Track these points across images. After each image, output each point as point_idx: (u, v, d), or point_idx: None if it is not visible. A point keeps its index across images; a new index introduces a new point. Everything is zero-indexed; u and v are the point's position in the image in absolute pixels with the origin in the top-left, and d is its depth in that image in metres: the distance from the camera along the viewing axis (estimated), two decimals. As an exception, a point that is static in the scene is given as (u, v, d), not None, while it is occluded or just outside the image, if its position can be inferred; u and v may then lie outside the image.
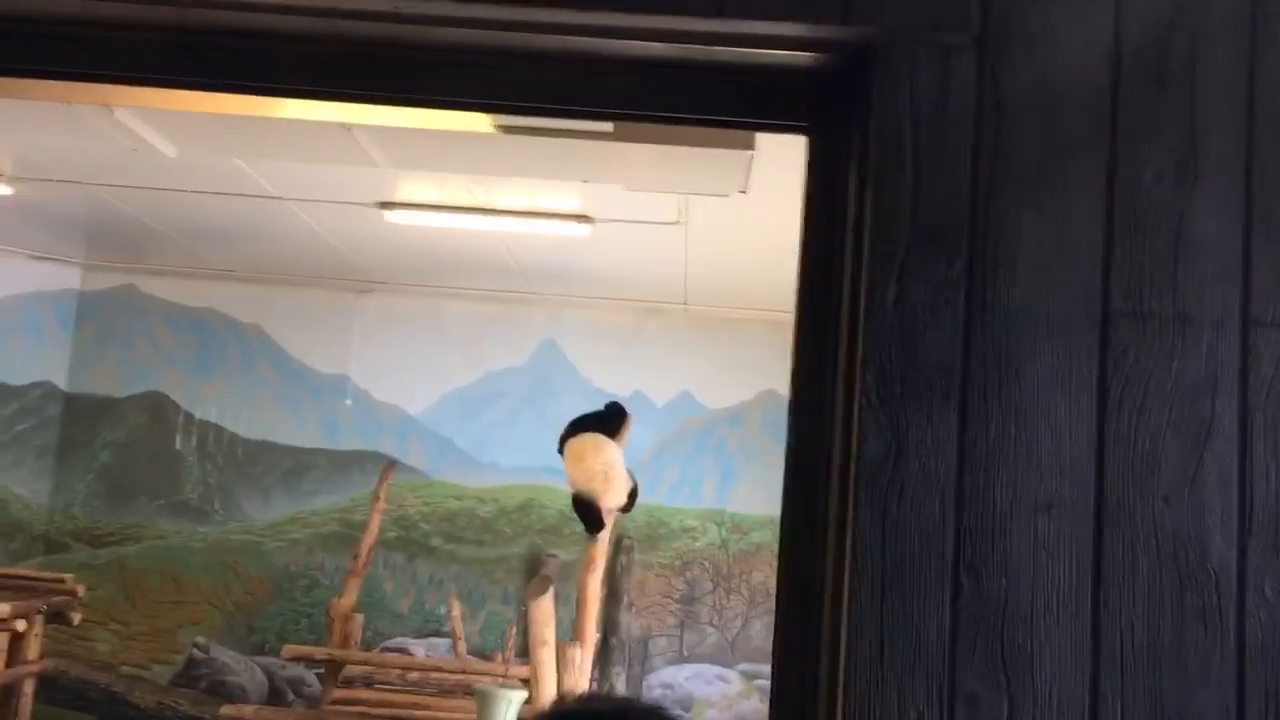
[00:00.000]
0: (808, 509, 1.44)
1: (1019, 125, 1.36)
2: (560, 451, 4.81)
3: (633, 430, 5.07)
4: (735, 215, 4.69)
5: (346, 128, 3.48)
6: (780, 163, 3.53)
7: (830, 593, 1.36)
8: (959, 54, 1.37)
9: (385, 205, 5.28)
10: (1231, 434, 1.29)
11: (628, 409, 4.89)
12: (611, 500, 4.65)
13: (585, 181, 4.24)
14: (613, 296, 7.00)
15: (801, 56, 1.51)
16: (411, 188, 5.00)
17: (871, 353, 1.33)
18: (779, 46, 1.50)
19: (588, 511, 4.66)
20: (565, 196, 4.89)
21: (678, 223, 5.14)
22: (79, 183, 5.23)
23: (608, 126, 3.36)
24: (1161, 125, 1.34)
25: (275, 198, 5.23)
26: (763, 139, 3.37)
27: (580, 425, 4.72)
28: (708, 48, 1.52)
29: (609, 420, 4.80)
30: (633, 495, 4.78)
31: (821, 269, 1.50)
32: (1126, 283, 1.32)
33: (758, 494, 7.12)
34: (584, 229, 5.34)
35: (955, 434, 1.31)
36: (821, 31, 1.44)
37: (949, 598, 1.28)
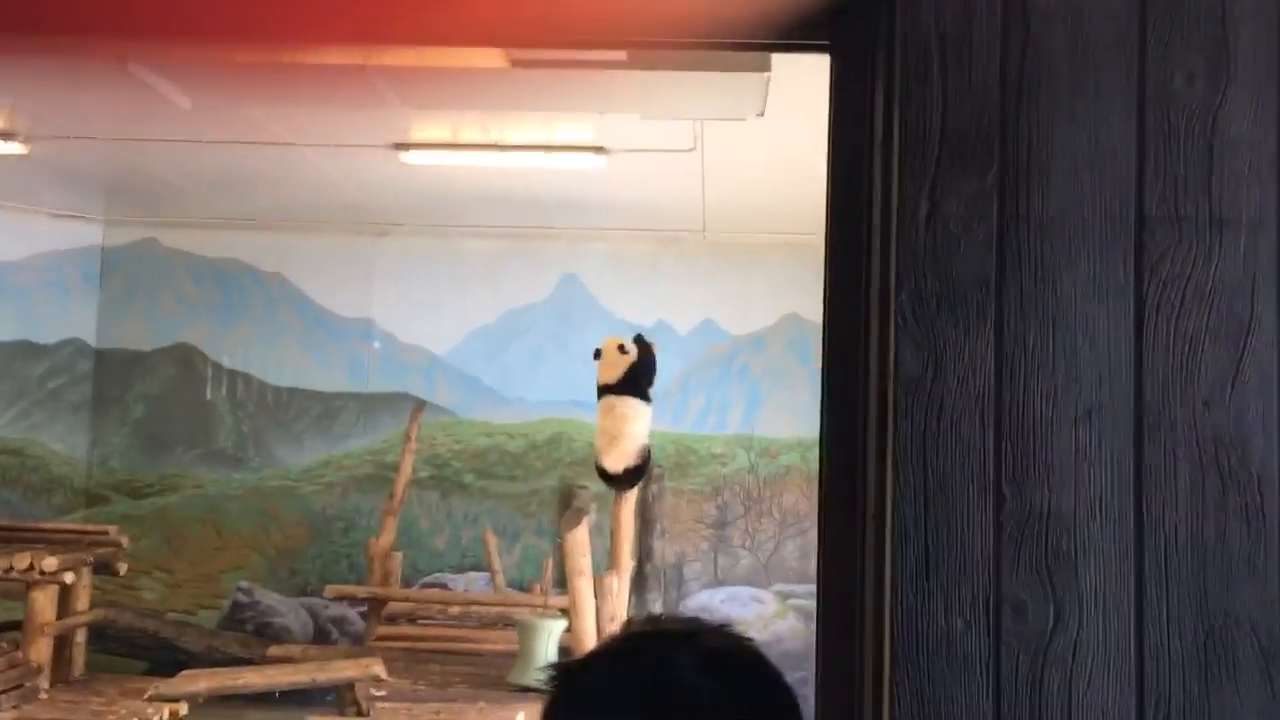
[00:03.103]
0: (846, 429, 1.45)
1: (1046, 32, 1.34)
2: (596, 356, 4.95)
3: (657, 360, 5.12)
4: (751, 140, 4.66)
5: (361, 69, 3.45)
6: (796, 84, 3.49)
7: (873, 511, 1.37)
8: (984, -38, 1.35)
9: (400, 146, 5.27)
10: (1271, 334, 1.29)
11: (652, 347, 4.94)
12: (607, 462, 4.82)
13: (601, 113, 4.20)
14: (631, 227, 6.98)
15: (821, -27, 1.49)
16: (426, 128, 4.98)
17: (905, 270, 1.33)
18: (799, -36, 1.48)
19: (598, 468, 4.88)
20: (579, 128, 4.86)
21: (693, 150, 5.10)
22: (95, 138, 5.22)
23: (621, 55, 3.33)
24: (1191, 25, 1.32)
25: (291, 145, 5.22)
26: (778, 61, 3.33)
27: (607, 390, 4.83)
28: (726, -31, 1.50)
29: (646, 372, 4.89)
30: (634, 473, 4.88)
31: (850, 188, 1.49)
32: (1161, 187, 1.31)
33: (784, 417, 7.15)
34: (600, 160, 5.32)
35: (992, 348, 1.31)
36: (842, -54, 1.42)
37: (992, 509, 1.29)
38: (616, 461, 4.82)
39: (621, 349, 4.85)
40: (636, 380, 4.88)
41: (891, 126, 1.39)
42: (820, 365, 1.51)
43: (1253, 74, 1.31)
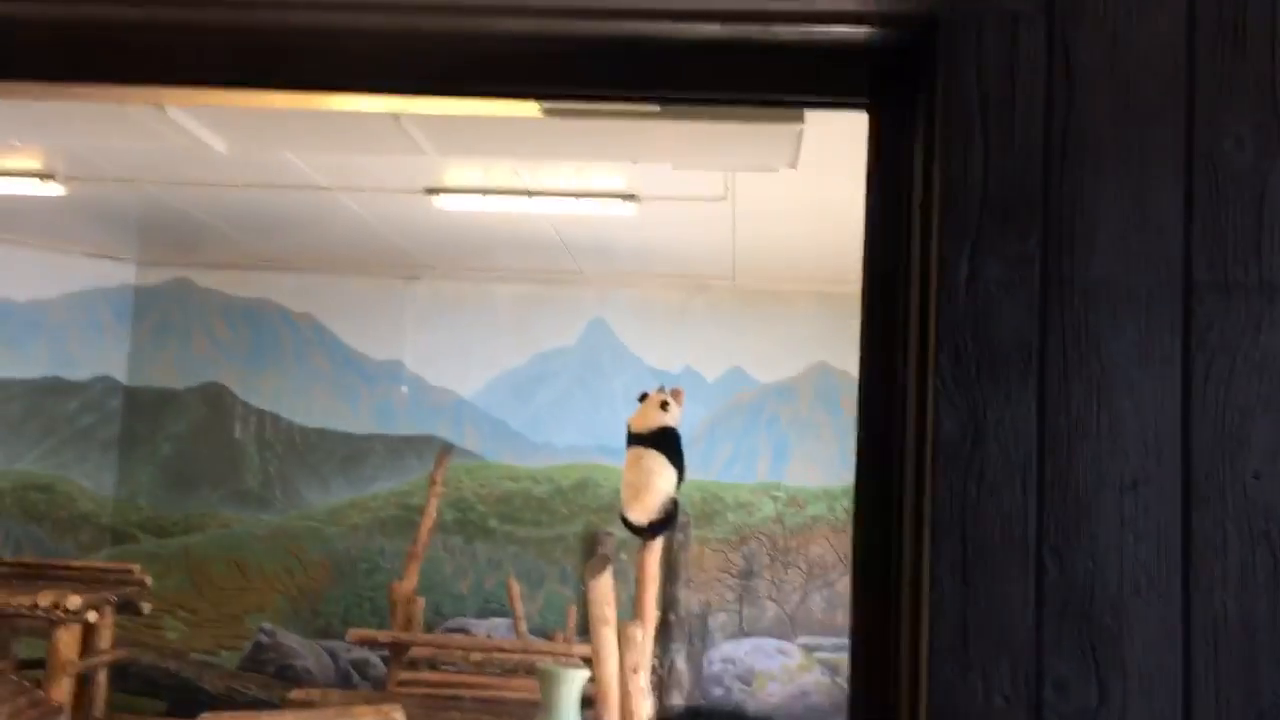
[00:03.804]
0: (881, 495, 1.41)
1: (1091, 94, 1.32)
2: (641, 399, 4.88)
3: (685, 407, 5.07)
4: (782, 189, 4.65)
5: (395, 117, 3.48)
6: (829, 134, 3.49)
7: (909, 579, 1.34)
8: (1027, 23, 1.33)
9: (432, 191, 5.30)
10: (1323, 405, 1.25)
11: (671, 424, 4.83)
12: (631, 515, 4.74)
13: (634, 162, 4.22)
14: (661, 273, 6.98)
15: (861, 31, 1.48)
16: (458, 173, 5.00)
17: (945, 333, 1.30)
18: (838, 21, 1.47)
19: (623, 518, 4.80)
20: (611, 175, 4.87)
21: (724, 198, 5.10)
22: (132, 180, 5.29)
23: (654, 106, 3.33)
24: (1241, 88, 1.30)
25: (324, 188, 5.26)
26: (812, 113, 3.33)
27: (636, 439, 4.76)
28: (764, 26, 1.49)
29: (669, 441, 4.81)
30: (659, 525, 4.80)
31: (887, 248, 1.47)
32: (1209, 253, 1.28)
33: (812, 467, 7.10)
34: (630, 207, 5.32)
35: (1034, 414, 1.28)
36: (882, 4, 1.41)
37: (1033, 581, 1.25)
38: (640, 514, 4.76)
39: (664, 406, 4.77)
40: (667, 443, 4.79)
41: (931, 186, 1.37)
42: (855, 428, 1.48)
43: (1304, 138, 1.29)
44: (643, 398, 4.90)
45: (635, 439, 4.85)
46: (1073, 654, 1.24)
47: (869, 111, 1.54)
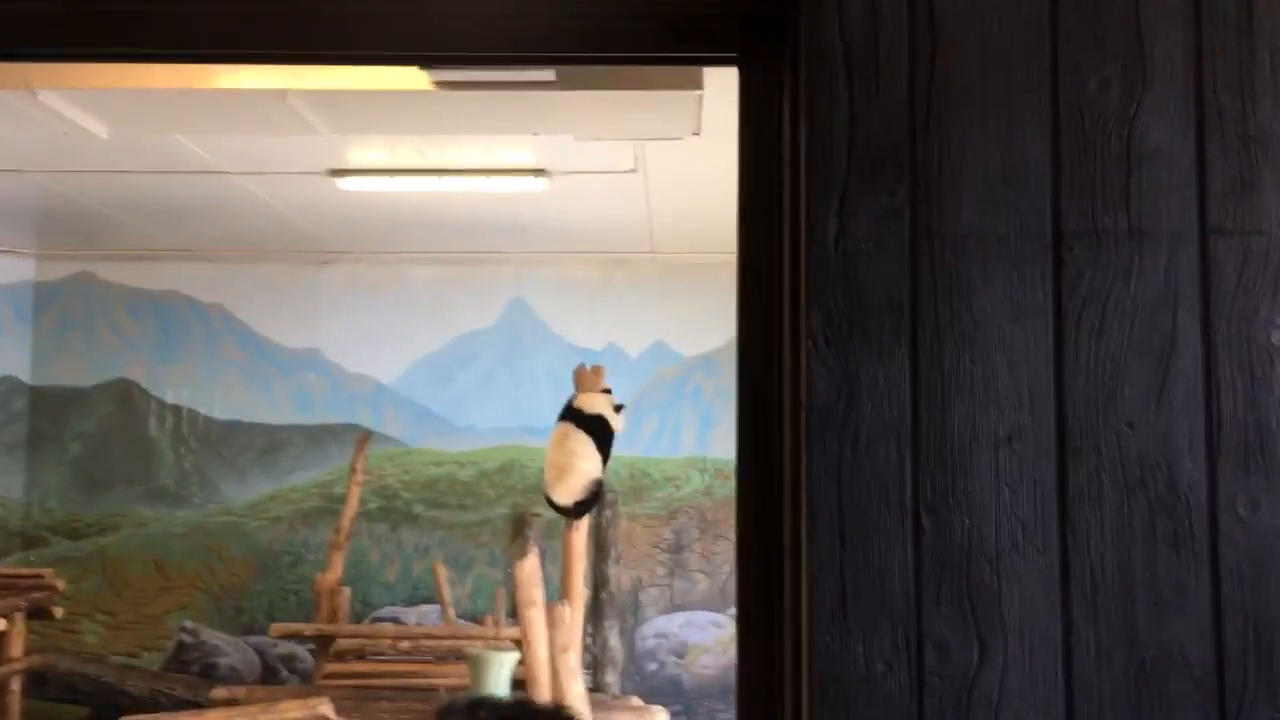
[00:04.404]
0: (763, 459, 1.38)
1: (956, 41, 1.28)
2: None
3: (609, 383, 5.01)
4: (692, 158, 4.60)
5: (280, 95, 3.36)
6: (733, 102, 3.44)
7: (789, 545, 1.30)
8: (888, -32, 1.29)
9: (336, 173, 5.16)
10: (1195, 350, 1.24)
11: (611, 423, 4.75)
12: (555, 496, 4.69)
13: (535, 134, 4.13)
14: (578, 250, 6.90)
15: (726, -17, 1.43)
16: (361, 154, 4.88)
17: (816, 291, 1.26)
18: (701, -26, 1.42)
19: (548, 499, 4.73)
20: (518, 151, 4.79)
21: (634, 170, 5.04)
22: (19, 171, 5.08)
23: (550, 75, 3.25)
24: (1104, 29, 1.27)
25: (224, 173, 5.10)
26: (712, 78, 3.28)
27: (574, 415, 4.67)
28: (627, -19, 1.44)
29: (602, 431, 4.74)
30: (583, 505, 4.74)
31: (759, 207, 1.43)
32: (1078, 199, 1.26)
33: (738, 438, 7.09)
34: (541, 183, 5.24)
35: (908, 371, 1.25)
36: (744, -45, 1.36)
37: (911, 542, 1.22)
38: (565, 495, 4.71)
39: (618, 409, 4.70)
40: (597, 429, 4.72)
41: (799, 142, 1.33)
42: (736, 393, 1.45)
43: (1168, 79, 1.26)
44: (606, 390, 4.80)
45: (569, 413, 4.74)
46: (952, 614, 1.21)
47: (738, 67, 1.49)
